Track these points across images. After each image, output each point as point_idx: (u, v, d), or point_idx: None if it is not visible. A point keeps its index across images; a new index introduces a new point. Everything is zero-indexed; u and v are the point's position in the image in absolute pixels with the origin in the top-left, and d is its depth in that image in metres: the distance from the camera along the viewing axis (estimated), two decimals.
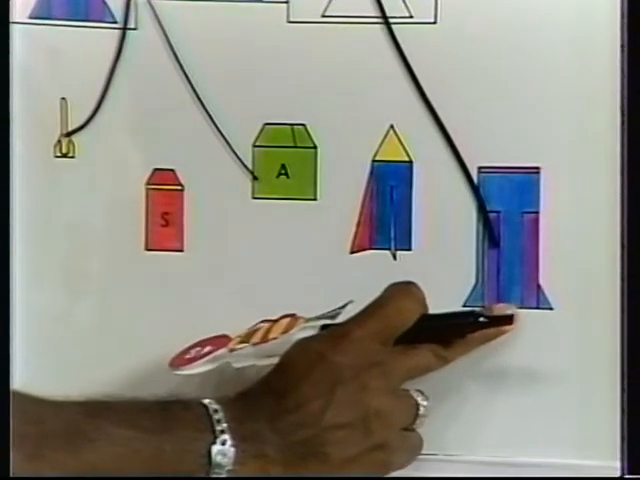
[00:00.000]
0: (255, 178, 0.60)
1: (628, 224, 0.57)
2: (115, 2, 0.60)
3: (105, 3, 0.60)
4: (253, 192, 0.61)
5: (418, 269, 0.59)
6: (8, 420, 0.47)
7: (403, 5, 0.59)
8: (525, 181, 0.59)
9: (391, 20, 0.59)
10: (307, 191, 0.60)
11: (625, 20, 0.57)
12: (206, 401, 0.51)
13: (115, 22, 0.60)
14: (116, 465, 0.48)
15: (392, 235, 0.60)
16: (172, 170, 0.61)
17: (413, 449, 0.54)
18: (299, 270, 0.60)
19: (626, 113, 0.57)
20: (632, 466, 0.57)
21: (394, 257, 0.60)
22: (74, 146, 0.61)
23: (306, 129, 0.60)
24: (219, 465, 0.48)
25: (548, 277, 0.59)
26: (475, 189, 0.59)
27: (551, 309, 0.59)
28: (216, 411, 0.50)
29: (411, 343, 0.55)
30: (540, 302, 0.59)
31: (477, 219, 0.59)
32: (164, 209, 0.61)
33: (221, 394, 0.52)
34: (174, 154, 0.61)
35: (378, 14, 0.59)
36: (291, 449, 0.50)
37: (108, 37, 0.60)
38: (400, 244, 0.60)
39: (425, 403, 0.54)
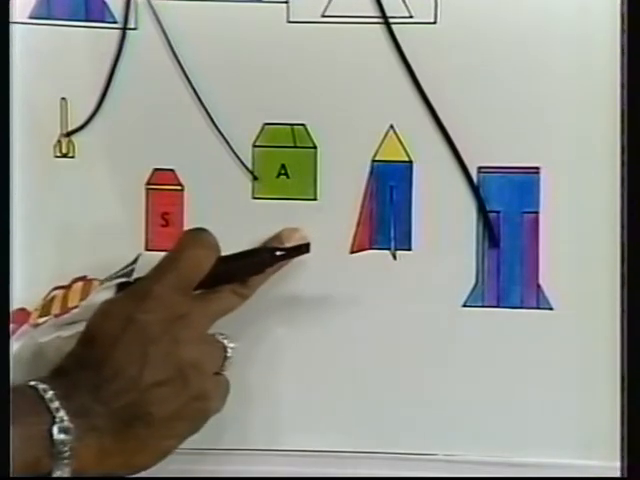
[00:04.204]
0: (255, 178, 0.60)
1: (628, 224, 0.57)
2: (115, 2, 0.60)
3: (105, 3, 0.60)
4: (253, 192, 0.61)
5: (418, 269, 0.59)
6: (8, 419, 0.47)
7: (403, 5, 0.59)
8: (525, 181, 0.59)
9: (391, 20, 0.59)
10: (307, 191, 0.60)
11: (625, 20, 0.57)
12: (32, 383, 0.50)
13: (115, 22, 0.60)
14: None
15: (392, 235, 0.60)
16: (172, 170, 0.61)
17: (225, 393, 0.55)
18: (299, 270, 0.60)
19: (626, 113, 0.57)
20: (632, 466, 0.57)
21: (394, 257, 0.60)
22: (74, 146, 0.61)
23: (306, 129, 0.60)
24: (62, 442, 0.48)
25: (548, 277, 0.59)
26: (475, 189, 0.59)
27: (551, 309, 0.59)
28: (45, 390, 0.49)
29: (212, 287, 0.55)
30: (540, 302, 0.59)
31: (477, 219, 0.60)
32: (164, 209, 0.61)
33: (32, 369, 0.52)
34: (174, 154, 0.61)
35: (378, 14, 0.59)
36: (117, 416, 0.50)
37: (108, 37, 0.60)
38: (400, 244, 0.60)
39: (232, 345, 0.55)
